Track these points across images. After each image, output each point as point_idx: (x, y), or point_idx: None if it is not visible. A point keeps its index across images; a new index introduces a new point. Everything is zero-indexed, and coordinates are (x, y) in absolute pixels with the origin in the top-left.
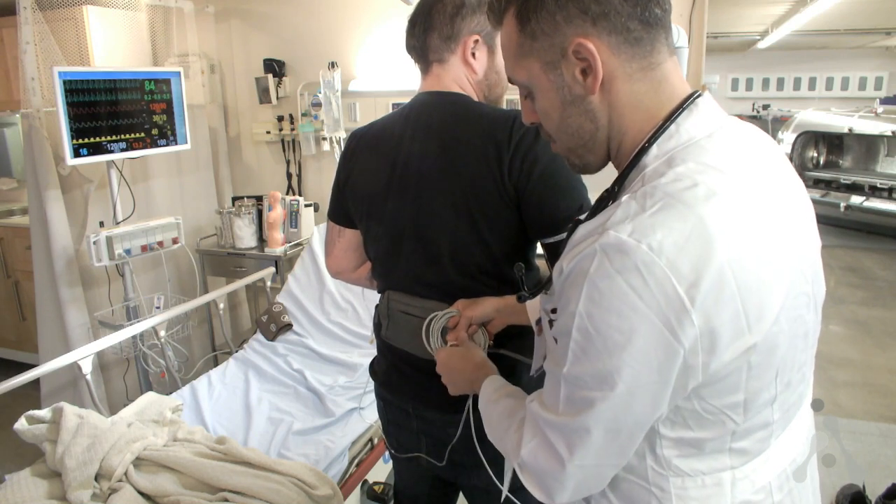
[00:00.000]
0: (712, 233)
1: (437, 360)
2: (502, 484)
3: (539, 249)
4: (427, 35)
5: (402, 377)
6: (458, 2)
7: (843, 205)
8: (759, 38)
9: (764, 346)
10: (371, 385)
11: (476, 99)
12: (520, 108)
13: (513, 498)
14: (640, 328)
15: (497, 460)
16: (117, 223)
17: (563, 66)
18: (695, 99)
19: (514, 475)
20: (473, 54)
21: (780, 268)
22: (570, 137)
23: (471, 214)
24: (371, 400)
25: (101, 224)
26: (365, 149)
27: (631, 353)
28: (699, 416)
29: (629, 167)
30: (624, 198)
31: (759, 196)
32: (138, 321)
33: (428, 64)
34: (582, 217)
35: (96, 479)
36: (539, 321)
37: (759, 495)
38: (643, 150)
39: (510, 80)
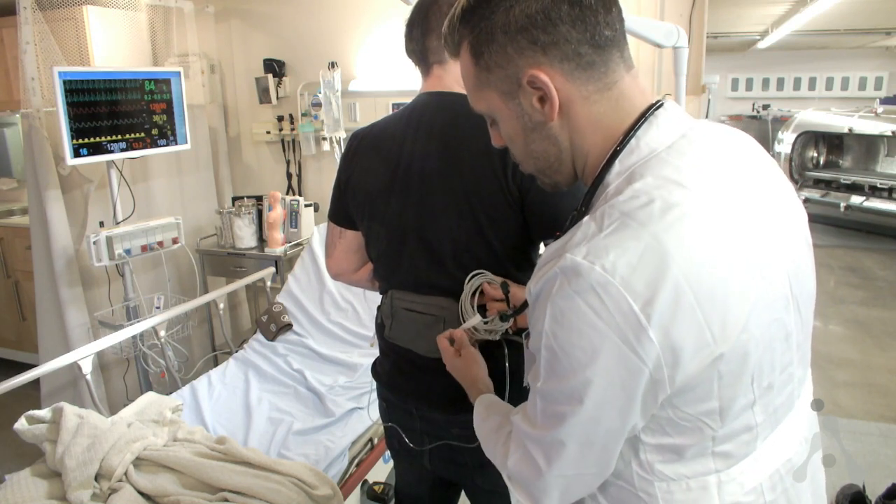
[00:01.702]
0: (667, 249)
1: (444, 359)
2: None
3: (542, 249)
4: (425, 37)
5: (406, 377)
6: (452, 2)
7: (843, 205)
8: (759, 38)
9: (733, 354)
10: (374, 385)
11: None
12: None
13: None
14: (602, 346)
15: None
16: (117, 223)
17: (520, 96)
18: (654, 110)
19: None
20: None
21: (747, 275)
22: (536, 161)
23: (474, 214)
24: (372, 399)
25: (101, 224)
26: (366, 149)
27: (594, 370)
28: (675, 423)
29: (594, 185)
30: (585, 218)
31: (722, 204)
32: (138, 321)
33: (428, 66)
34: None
35: (96, 479)
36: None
37: (749, 497)
38: (606, 168)
39: (474, 110)
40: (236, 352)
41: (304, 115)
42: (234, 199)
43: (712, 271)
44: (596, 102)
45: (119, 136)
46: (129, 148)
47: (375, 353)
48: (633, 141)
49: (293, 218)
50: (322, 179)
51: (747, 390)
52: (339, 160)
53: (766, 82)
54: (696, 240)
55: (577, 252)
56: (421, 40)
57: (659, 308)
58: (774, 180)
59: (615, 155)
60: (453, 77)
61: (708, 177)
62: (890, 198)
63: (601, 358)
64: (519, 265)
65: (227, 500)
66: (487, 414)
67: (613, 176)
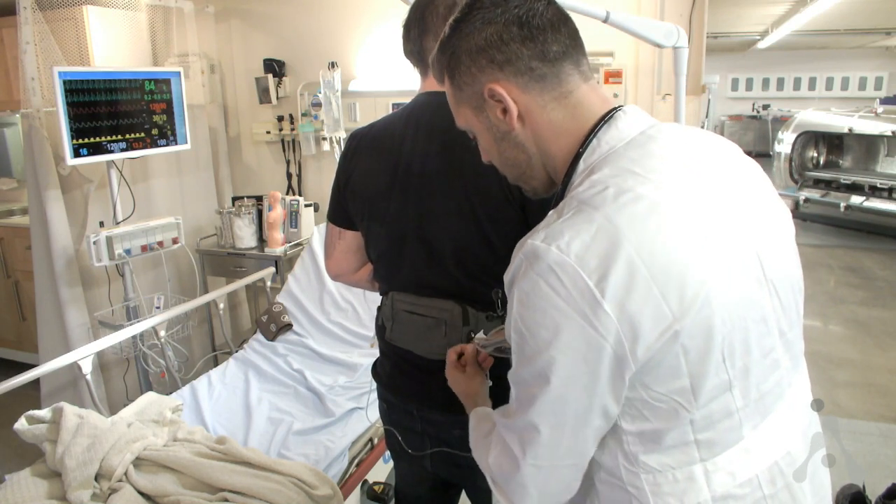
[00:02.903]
0: (619, 228)
1: (447, 371)
2: None
3: None
4: (423, 38)
5: (407, 379)
6: (449, 2)
7: (843, 205)
8: (759, 38)
9: (695, 329)
10: (373, 385)
11: None
12: None
13: None
14: (563, 323)
15: None
16: (117, 223)
17: (487, 109)
18: (613, 113)
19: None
20: None
21: (705, 251)
22: (511, 168)
23: (475, 215)
24: (371, 399)
25: (101, 224)
26: (366, 149)
27: (558, 347)
28: (650, 405)
29: (563, 185)
30: (550, 212)
31: (677, 188)
32: (138, 321)
33: (427, 66)
34: None
35: (96, 479)
36: None
37: (744, 489)
38: (572, 168)
39: (459, 128)
40: (236, 352)
41: (304, 115)
42: (234, 199)
43: (666, 247)
44: (553, 110)
45: (119, 136)
46: (129, 148)
47: (375, 353)
48: (594, 141)
49: (293, 218)
50: (322, 179)
51: (719, 369)
52: (338, 160)
53: (766, 82)
54: (649, 218)
55: (536, 237)
56: (418, 41)
57: (613, 283)
58: (747, 175)
59: (579, 156)
60: None
61: (663, 165)
62: (890, 198)
63: (563, 335)
64: (498, 310)
65: (227, 500)
66: (479, 421)
67: (578, 174)
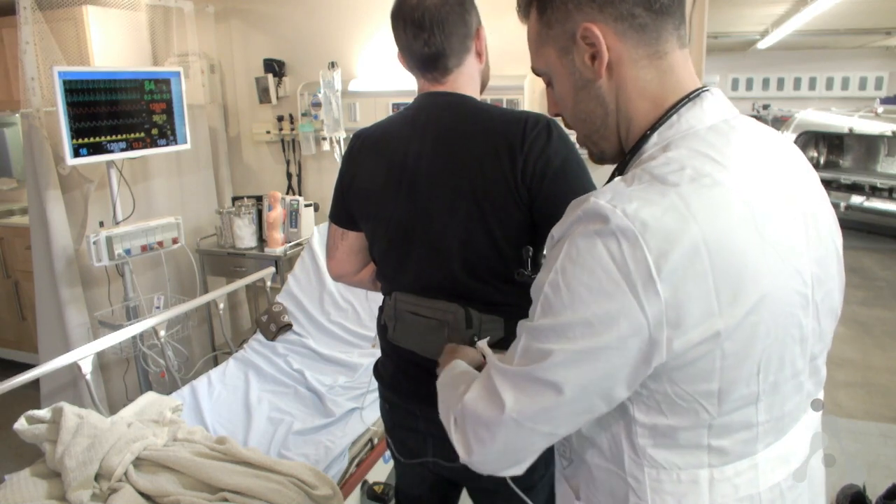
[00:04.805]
0: (691, 209)
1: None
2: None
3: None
4: (447, 42)
5: (410, 379)
6: (462, 0)
7: (843, 205)
8: (759, 38)
9: (738, 333)
10: (373, 385)
11: (479, 89)
12: (520, 109)
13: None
14: (609, 289)
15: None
16: (117, 223)
17: (574, 52)
18: (701, 93)
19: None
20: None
21: (768, 258)
22: (583, 123)
23: (482, 216)
24: (371, 399)
25: (101, 224)
26: (370, 150)
27: (595, 311)
28: (672, 401)
29: (631, 153)
30: (616, 178)
31: (752, 188)
32: (138, 321)
33: (447, 70)
34: None
35: (96, 479)
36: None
37: (743, 503)
38: (644, 138)
39: (534, 71)
40: (236, 352)
41: (304, 114)
42: (234, 198)
43: (733, 241)
44: (644, 68)
45: (119, 136)
46: (129, 148)
47: (375, 353)
48: (674, 117)
49: (293, 218)
50: (322, 179)
51: (751, 380)
52: (339, 160)
53: (766, 82)
54: (722, 208)
55: (601, 197)
56: (442, 45)
57: (672, 263)
58: (812, 190)
59: (655, 127)
60: (467, 76)
61: (743, 159)
62: (890, 198)
63: (604, 301)
64: (527, 269)
65: (227, 500)
66: (455, 369)
67: (650, 146)
